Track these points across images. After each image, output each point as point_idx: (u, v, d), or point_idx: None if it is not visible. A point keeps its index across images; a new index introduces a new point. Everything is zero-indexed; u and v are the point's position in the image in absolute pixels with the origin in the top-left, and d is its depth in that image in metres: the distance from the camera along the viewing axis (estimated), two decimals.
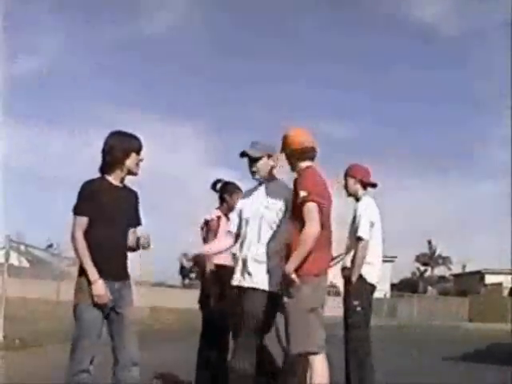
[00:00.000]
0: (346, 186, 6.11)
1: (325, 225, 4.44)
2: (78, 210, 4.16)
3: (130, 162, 4.29)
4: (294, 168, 4.70)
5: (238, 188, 5.86)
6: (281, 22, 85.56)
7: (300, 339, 4.33)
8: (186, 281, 59.94)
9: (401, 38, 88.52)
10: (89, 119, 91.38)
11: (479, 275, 57.87)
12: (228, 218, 5.81)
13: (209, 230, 5.69)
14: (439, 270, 72.14)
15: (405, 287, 60.87)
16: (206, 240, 5.69)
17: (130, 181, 4.43)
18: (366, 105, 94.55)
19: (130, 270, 4.44)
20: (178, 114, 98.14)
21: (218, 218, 5.72)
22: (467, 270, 65.99)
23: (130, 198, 4.45)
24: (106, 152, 4.29)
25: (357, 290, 5.77)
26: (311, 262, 4.33)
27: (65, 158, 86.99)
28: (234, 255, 5.95)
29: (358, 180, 6.05)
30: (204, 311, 5.77)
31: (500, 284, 51.84)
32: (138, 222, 4.50)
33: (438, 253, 71.90)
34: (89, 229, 4.15)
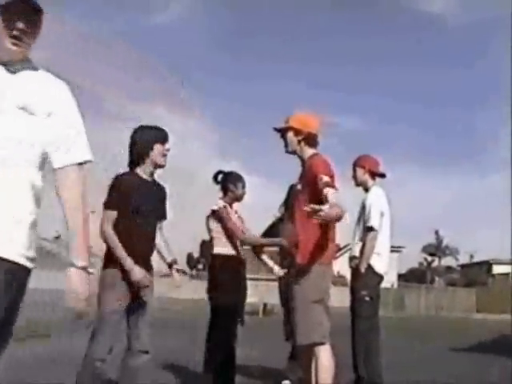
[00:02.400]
0: (354, 177, 6.11)
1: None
2: (107, 204, 4.23)
3: (154, 154, 4.33)
4: (295, 152, 4.58)
5: (240, 177, 5.88)
6: (287, 17, 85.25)
7: (306, 330, 4.31)
8: (194, 271, 60.12)
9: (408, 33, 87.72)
10: (96, 111, 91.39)
11: (486, 265, 57.82)
12: (232, 208, 5.83)
13: (221, 219, 5.69)
14: (446, 261, 72.08)
15: (412, 278, 60.90)
16: (225, 228, 5.67)
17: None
18: (373, 98, 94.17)
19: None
20: (186, 106, 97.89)
21: (225, 207, 5.73)
22: (474, 260, 65.94)
23: (159, 192, 4.54)
24: (131, 147, 4.40)
25: (365, 279, 5.77)
26: (317, 251, 4.31)
27: None
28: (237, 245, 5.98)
29: (367, 170, 6.06)
30: (212, 301, 5.78)
31: (507, 274, 51.71)
32: (163, 216, 4.60)
33: (445, 243, 71.77)
34: (118, 222, 4.22)
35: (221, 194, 5.84)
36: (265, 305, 24.18)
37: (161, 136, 4.39)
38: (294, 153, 4.58)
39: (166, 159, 4.42)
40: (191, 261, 62.49)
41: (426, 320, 26.70)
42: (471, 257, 67.67)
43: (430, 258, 71.95)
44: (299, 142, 4.53)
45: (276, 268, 6.10)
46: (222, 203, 5.76)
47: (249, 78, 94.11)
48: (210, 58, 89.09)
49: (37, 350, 8.68)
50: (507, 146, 75.65)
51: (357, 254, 5.90)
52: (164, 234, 4.67)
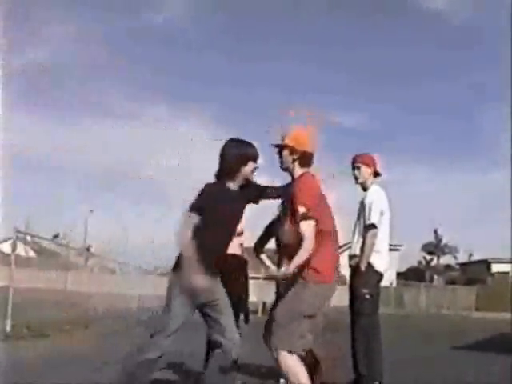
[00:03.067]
0: (356, 175, 6.10)
1: (330, 233, 4.46)
2: (192, 207, 4.30)
3: (246, 170, 4.44)
4: (288, 169, 4.61)
5: None
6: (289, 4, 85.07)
7: (287, 337, 4.28)
8: None
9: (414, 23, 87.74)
10: (98, 109, 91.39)
11: (486, 264, 57.87)
12: None
13: None
14: (445, 259, 72.08)
15: (411, 276, 60.84)
16: None
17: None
18: (371, 98, 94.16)
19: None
20: (187, 101, 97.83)
21: None
22: (473, 259, 65.97)
23: (243, 205, 4.63)
24: (223, 159, 4.46)
25: (365, 277, 5.77)
26: (316, 270, 4.32)
27: (73, 148, 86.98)
28: (241, 245, 5.97)
29: (372, 169, 6.06)
30: None
31: (507, 273, 51.82)
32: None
33: (444, 242, 71.78)
34: (199, 228, 4.28)
35: None
36: (264, 303, 24.22)
37: (254, 153, 4.50)
38: (286, 170, 4.62)
39: (254, 175, 4.54)
40: None
41: (425, 318, 26.73)
42: (470, 255, 67.72)
43: (429, 257, 71.96)
44: (293, 160, 4.56)
45: (273, 268, 6.07)
46: None
47: (248, 77, 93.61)
48: (211, 51, 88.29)
49: (36, 349, 8.69)
50: (507, 145, 75.78)
51: (357, 252, 5.90)
52: None
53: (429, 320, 24.88)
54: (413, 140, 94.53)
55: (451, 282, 59.31)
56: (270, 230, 5.58)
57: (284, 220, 4.52)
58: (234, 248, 5.66)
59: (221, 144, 4.51)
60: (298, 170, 4.55)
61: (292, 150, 4.55)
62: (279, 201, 5.02)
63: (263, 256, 6.10)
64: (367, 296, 5.76)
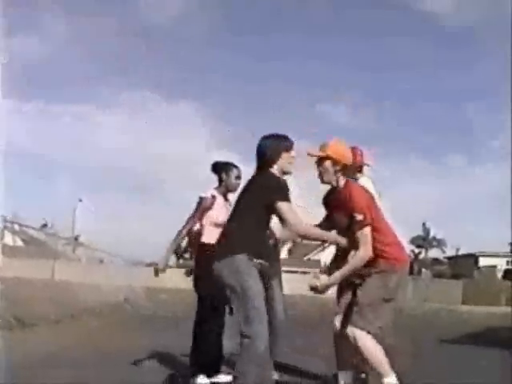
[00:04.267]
0: None
1: (385, 224, 4.87)
2: (288, 198, 4.39)
3: (281, 162, 4.52)
4: (331, 181, 4.81)
5: (234, 167, 5.88)
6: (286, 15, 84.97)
7: (368, 317, 4.70)
8: (181, 261, 59.91)
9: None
10: (90, 101, 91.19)
11: (473, 258, 58.12)
12: (226, 199, 5.82)
13: (200, 207, 5.70)
14: (433, 253, 72.35)
15: None
16: (194, 216, 5.74)
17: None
18: (364, 94, 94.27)
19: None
20: (183, 96, 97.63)
21: (213, 196, 5.73)
22: (461, 252, 66.24)
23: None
24: (259, 155, 4.55)
25: None
26: (393, 259, 4.81)
27: (61, 139, 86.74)
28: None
29: (355, 162, 6.04)
30: (197, 291, 5.77)
31: (494, 267, 52.05)
32: None
33: (432, 235, 72.06)
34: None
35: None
36: None
37: (287, 144, 4.56)
38: (328, 183, 4.83)
39: (292, 166, 4.60)
40: (178, 249, 62.30)
41: (412, 311, 26.78)
42: (458, 249, 67.98)
43: (417, 250, 72.22)
44: (336, 172, 4.74)
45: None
46: (211, 192, 5.76)
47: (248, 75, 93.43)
48: (207, 48, 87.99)
49: (24, 339, 8.65)
50: (496, 140, 76.10)
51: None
52: None
53: (416, 313, 24.92)
54: (402, 136, 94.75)
55: (439, 275, 59.56)
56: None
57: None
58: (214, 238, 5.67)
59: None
60: (342, 180, 4.78)
61: (334, 162, 4.72)
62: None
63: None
64: None
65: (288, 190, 4.36)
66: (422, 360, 8.39)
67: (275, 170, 4.49)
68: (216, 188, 5.86)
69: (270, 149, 4.50)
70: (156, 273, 5.80)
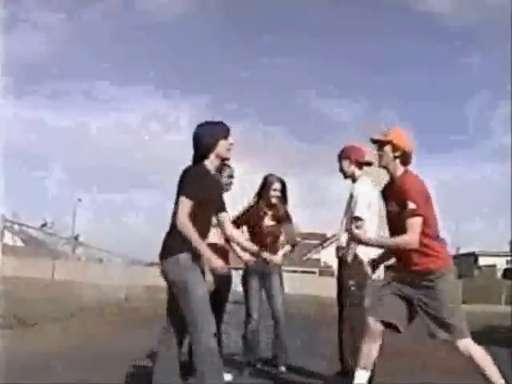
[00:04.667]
0: (341, 169, 6.09)
1: (433, 224, 4.73)
2: (187, 194, 4.32)
3: (219, 149, 4.52)
4: (387, 166, 4.76)
5: (225, 165, 5.95)
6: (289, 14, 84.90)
7: (461, 326, 4.72)
8: None
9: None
10: (89, 99, 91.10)
11: (473, 257, 58.10)
12: None
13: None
14: None
15: None
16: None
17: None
18: (364, 82, 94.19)
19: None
20: (185, 95, 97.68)
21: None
22: (461, 252, 66.25)
23: (220, 186, 4.87)
24: (195, 144, 4.55)
25: (351, 269, 5.77)
26: (446, 260, 4.73)
27: (60, 137, 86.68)
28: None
29: (354, 161, 6.03)
30: None
31: (494, 266, 52.06)
32: (225, 208, 4.82)
33: None
34: (191, 215, 4.33)
35: None
36: None
37: (223, 131, 4.55)
38: (385, 168, 4.78)
39: (230, 152, 4.60)
40: None
41: None
42: (457, 249, 67.96)
43: None
44: (395, 158, 4.69)
45: (246, 256, 6.10)
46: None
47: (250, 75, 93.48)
48: (205, 45, 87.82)
49: (24, 338, 8.66)
50: (497, 138, 76.11)
51: (343, 244, 5.90)
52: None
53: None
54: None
55: None
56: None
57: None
58: (212, 237, 5.68)
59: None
60: (401, 168, 4.70)
61: (394, 148, 4.67)
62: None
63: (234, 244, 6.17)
64: (353, 287, 5.77)
65: (196, 181, 4.36)
66: (423, 359, 8.40)
67: (212, 157, 4.52)
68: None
69: (207, 136, 4.50)
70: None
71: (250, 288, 6.49)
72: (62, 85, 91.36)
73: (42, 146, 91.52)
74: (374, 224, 5.93)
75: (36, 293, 13.22)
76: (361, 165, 6.07)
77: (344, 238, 5.91)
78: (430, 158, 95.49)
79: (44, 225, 49.28)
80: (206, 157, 4.52)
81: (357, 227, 5.73)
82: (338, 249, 5.98)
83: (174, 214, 4.36)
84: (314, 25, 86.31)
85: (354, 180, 6.06)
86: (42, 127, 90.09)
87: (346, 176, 6.11)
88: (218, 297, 5.60)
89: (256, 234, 6.47)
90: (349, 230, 5.82)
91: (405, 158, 4.68)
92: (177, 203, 4.35)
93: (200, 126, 4.59)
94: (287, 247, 6.59)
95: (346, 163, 6.05)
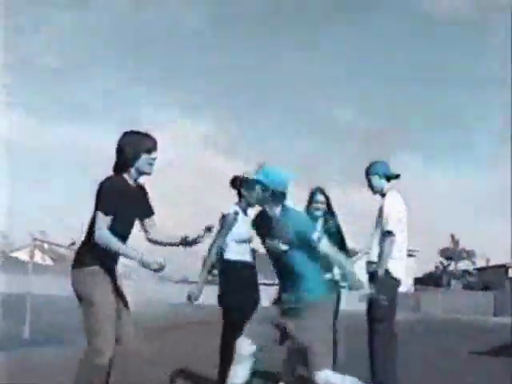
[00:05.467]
0: (370, 185, 6.09)
1: None
2: (104, 209, 4.13)
3: (140, 164, 4.30)
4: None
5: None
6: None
7: None
8: (210, 277, 59.93)
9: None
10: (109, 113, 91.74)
11: (503, 269, 57.40)
12: (246, 214, 5.81)
13: (225, 225, 5.69)
14: (463, 264, 71.73)
15: (428, 281, 60.59)
16: (222, 234, 5.70)
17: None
18: (377, 93, 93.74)
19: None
20: (191, 104, 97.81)
21: (236, 213, 5.72)
22: (491, 263, 65.52)
23: (142, 194, 4.52)
24: (117, 152, 4.31)
25: (382, 284, 5.74)
26: None
27: (88, 156, 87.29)
28: (253, 251, 5.95)
29: (382, 176, 6.04)
30: (222, 308, 5.77)
31: None
32: (151, 213, 4.58)
33: (461, 246, 71.43)
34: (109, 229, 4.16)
35: (237, 199, 5.86)
36: None
37: (148, 145, 4.32)
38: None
39: (152, 167, 4.37)
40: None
41: (443, 324, 26.54)
42: (488, 260, 67.27)
43: (446, 262, 71.64)
44: None
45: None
46: (234, 208, 5.76)
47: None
48: (217, 51, 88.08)
49: (54, 355, 8.71)
50: None
51: (374, 259, 5.88)
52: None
53: (446, 326, 24.70)
54: (426, 140, 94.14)
55: (469, 287, 58.99)
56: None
57: None
58: (243, 254, 5.68)
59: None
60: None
61: None
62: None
63: None
64: (384, 303, 5.74)
65: (111, 195, 4.14)
66: (454, 373, 8.32)
67: (132, 171, 4.31)
68: (237, 203, 5.85)
69: (129, 148, 4.26)
70: (189, 299, 5.79)
71: None
72: (84, 96, 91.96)
73: (69, 164, 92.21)
74: (404, 238, 5.92)
75: (65, 310, 13.29)
76: (389, 179, 6.07)
77: (375, 253, 5.89)
78: (459, 168, 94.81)
79: (73, 243, 49.64)
80: (126, 168, 4.30)
81: (390, 242, 5.74)
82: (369, 264, 5.96)
83: (91, 226, 4.18)
84: (317, 31, 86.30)
85: (383, 195, 6.04)
86: (70, 145, 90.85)
87: (375, 191, 6.11)
88: (245, 315, 5.59)
89: None
90: (380, 245, 5.82)
91: None
92: (94, 217, 4.16)
93: (126, 134, 4.35)
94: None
95: (375, 179, 6.05)
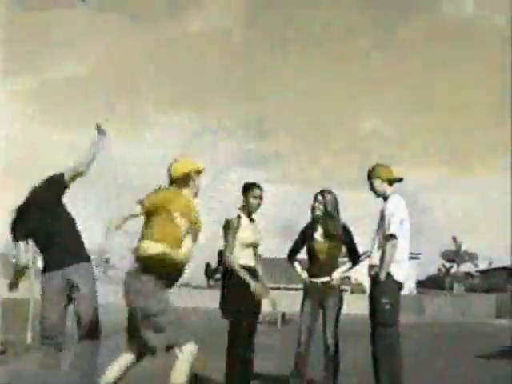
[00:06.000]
0: (373, 189, 6.09)
1: None
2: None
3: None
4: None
5: (254, 185, 5.85)
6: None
7: None
8: (211, 282, 60.10)
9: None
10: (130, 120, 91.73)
11: (506, 271, 57.39)
12: (251, 219, 5.80)
13: (228, 229, 5.69)
14: (465, 267, 71.64)
15: (431, 284, 60.56)
16: (225, 239, 5.72)
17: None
18: (388, 103, 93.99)
19: None
20: (210, 113, 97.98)
21: (239, 216, 5.72)
22: (494, 266, 65.48)
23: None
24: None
25: (385, 287, 5.73)
26: None
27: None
28: (258, 256, 5.95)
29: (385, 179, 6.03)
30: (224, 313, 5.76)
31: None
32: None
33: (463, 249, 71.37)
34: None
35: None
36: (283, 314, 24.14)
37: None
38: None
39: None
40: (209, 270, 62.57)
41: (446, 326, 26.50)
42: (490, 263, 67.22)
43: (448, 265, 71.58)
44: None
45: (304, 275, 6.22)
46: (237, 213, 5.76)
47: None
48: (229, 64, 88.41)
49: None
50: None
51: (376, 262, 5.87)
52: None
53: (449, 328, 24.66)
54: (429, 145, 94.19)
55: (471, 289, 58.93)
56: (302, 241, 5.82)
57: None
58: (247, 259, 5.68)
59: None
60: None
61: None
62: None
63: (296, 264, 6.33)
64: (387, 306, 5.72)
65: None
66: (458, 375, 8.30)
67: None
68: (240, 208, 5.86)
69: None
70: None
71: (301, 311, 6.34)
72: (104, 109, 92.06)
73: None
74: (406, 241, 5.91)
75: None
76: (391, 182, 6.06)
77: (377, 257, 5.88)
78: (457, 172, 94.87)
79: None
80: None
81: (392, 245, 5.73)
82: (371, 267, 5.95)
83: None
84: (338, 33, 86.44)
85: (385, 198, 6.04)
86: (66, 150, 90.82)
87: (377, 195, 6.11)
88: (248, 321, 5.59)
89: (308, 253, 6.43)
90: (382, 248, 5.81)
91: None
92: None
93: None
94: (346, 266, 6.44)
95: (377, 182, 6.05)
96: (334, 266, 6.30)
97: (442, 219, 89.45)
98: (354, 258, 6.42)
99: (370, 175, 6.11)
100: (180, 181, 4.71)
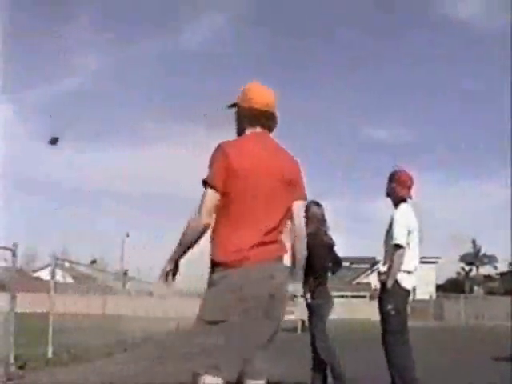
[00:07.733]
0: (393, 192, 6.04)
1: None
2: None
3: None
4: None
5: None
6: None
7: None
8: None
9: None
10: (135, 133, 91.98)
11: None
12: None
13: None
14: (485, 270, 71.16)
15: (450, 288, 60.13)
16: None
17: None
18: (397, 103, 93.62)
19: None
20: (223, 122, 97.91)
21: None
22: None
23: None
24: None
25: (391, 294, 5.76)
26: None
27: (108, 172, 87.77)
28: None
29: (407, 186, 5.97)
30: None
31: None
32: None
33: (482, 252, 70.90)
34: None
35: None
36: (303, 322, 24.12)
37: None
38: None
39: None
40: None
41: (466, 329, 26.36)
42: (510, 265, 66.67)
43: (467, 268, 71.12)
44: None
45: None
46: None
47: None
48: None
49: (77, 374, 8.77)
50: None
51: (385, 269, 5.88)
52: None
53: (469, 331, 24.53)
54: (444, 147, 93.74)
55: (492, 292, 58.49)
56: None
57: None
58: None
59: None
60: None
61: None
62: None
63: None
64: (392, 312, 5.75)
65: None
66: (476, 378, 8.28)
67: None
68: None
69: None
70: None
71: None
72: (102, 120, 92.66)
73: (89, 182, 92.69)
74: (415, 249, 5.90)
75: (88, 329, 13.38)
76: (409, 190, 6.01)
77: (386, 263, 5.90)
78: (477, 173, 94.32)
79: (94, 261, 49.85)
80: None
81: (399, 255, 5.74)
82: (379, 274, 5.97)
83: None
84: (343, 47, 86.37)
85: (395, 204, 5.99)
86: (88, 164, 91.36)
87: (387, 196, 6.06)
88: None
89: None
90: (390, 257, 5.83)
91: None
92: None
93: None
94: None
95: (398, 188, 6.01)
96: None
97: (459, 222, 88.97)
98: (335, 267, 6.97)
99: (394, 178, 6.04)
100: None
